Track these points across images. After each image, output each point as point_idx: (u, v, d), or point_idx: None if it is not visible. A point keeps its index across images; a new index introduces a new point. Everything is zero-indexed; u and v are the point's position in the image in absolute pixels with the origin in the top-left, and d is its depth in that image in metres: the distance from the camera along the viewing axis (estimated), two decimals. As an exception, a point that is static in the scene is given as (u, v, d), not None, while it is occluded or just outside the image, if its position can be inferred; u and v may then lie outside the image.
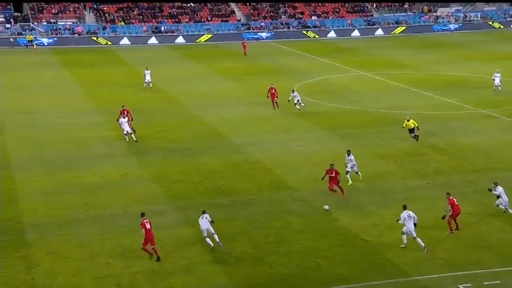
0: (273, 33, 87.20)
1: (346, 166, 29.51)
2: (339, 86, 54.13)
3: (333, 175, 27.72)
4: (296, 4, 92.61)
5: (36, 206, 27.21)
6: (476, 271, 21.40)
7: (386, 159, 33.69)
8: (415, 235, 22.61)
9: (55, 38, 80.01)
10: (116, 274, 21.25)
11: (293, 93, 43.92)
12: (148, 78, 51.77)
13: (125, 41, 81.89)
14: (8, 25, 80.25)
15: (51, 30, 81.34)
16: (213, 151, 35.10)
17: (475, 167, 32.33)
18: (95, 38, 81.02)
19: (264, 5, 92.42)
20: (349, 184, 29.11)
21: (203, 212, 23.48)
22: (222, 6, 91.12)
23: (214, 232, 22.82)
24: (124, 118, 37.02)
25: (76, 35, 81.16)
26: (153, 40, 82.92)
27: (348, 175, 29.40)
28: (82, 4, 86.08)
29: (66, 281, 20.86)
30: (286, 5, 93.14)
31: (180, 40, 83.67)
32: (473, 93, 50.27)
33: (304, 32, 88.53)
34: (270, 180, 30.50)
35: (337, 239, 23.96)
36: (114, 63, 67.49)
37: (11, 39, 77.98)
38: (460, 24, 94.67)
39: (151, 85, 51.80)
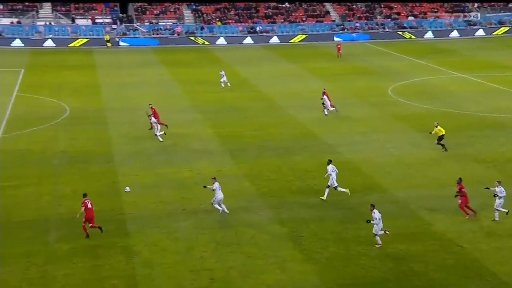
0: (368, 33, 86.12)
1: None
2: (435, 88, 52.70)
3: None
4: (392, 5, 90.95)
5: (136, 199, 28.53)
6: None
7: (485, 164, 32.54)
8: (383, 233, 23.34)
9: (157, 38, 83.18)
10: (211, 268, 21.92)
11: (323, 95, 43.51)
12: (224, 78, 52.99)
13: (221, 41, 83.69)
14: (114, 26, 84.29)
15: (153, 30, 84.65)
16: (306, 151, 35.34)
17: None
18: (193, 38, 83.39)
19: (359, 6, 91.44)
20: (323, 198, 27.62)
21: (216, 180, 26.43)
22: (317, 6, 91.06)
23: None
24: (152, 118, 38.10)
25: (175, 35, 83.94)
26: (248, 40, 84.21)
27: (330, 189, 27.88)
28: (182, 4, 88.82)
29: (164, 272, 21.75)
30: (382, 6, 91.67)
31: (274, 40, 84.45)
32: None
33: (400, 32, 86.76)
34: (362, 181, 30.34)
35: (431, 244, 23.48)
36: (211, 62, 69.15)
37: (117, 39, 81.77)
38: None
39: (229, 85, 52.89)
